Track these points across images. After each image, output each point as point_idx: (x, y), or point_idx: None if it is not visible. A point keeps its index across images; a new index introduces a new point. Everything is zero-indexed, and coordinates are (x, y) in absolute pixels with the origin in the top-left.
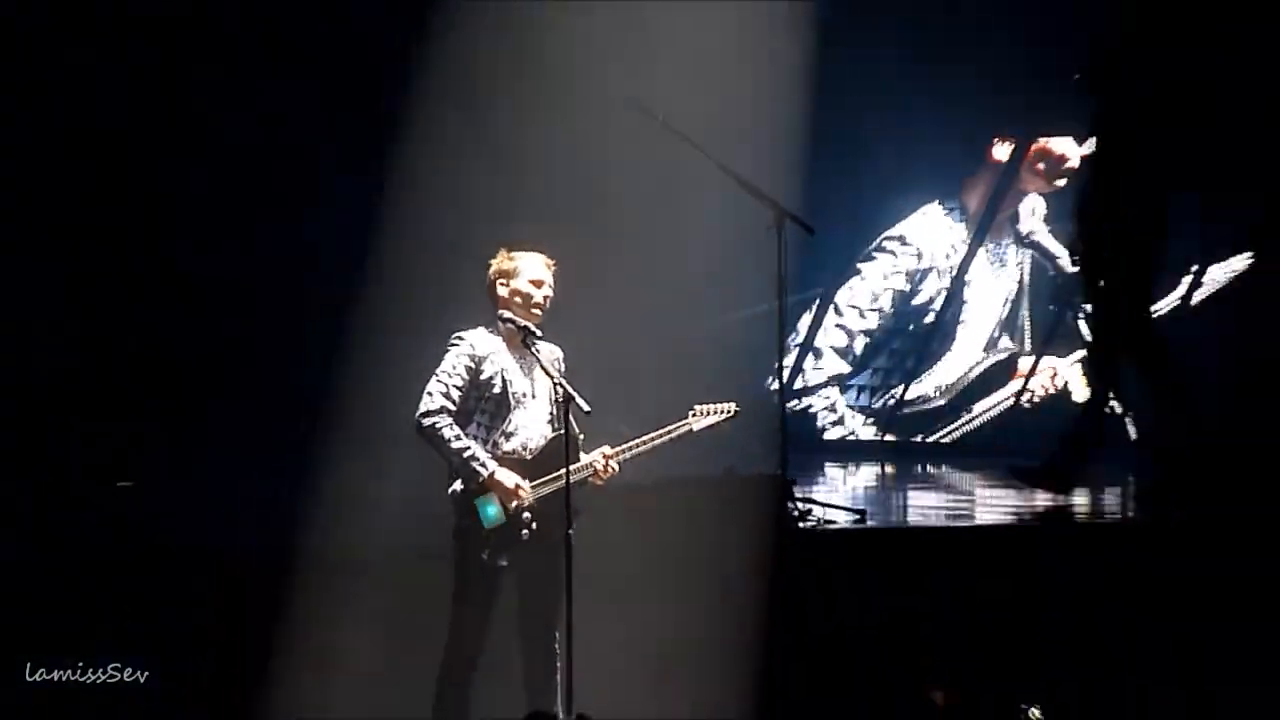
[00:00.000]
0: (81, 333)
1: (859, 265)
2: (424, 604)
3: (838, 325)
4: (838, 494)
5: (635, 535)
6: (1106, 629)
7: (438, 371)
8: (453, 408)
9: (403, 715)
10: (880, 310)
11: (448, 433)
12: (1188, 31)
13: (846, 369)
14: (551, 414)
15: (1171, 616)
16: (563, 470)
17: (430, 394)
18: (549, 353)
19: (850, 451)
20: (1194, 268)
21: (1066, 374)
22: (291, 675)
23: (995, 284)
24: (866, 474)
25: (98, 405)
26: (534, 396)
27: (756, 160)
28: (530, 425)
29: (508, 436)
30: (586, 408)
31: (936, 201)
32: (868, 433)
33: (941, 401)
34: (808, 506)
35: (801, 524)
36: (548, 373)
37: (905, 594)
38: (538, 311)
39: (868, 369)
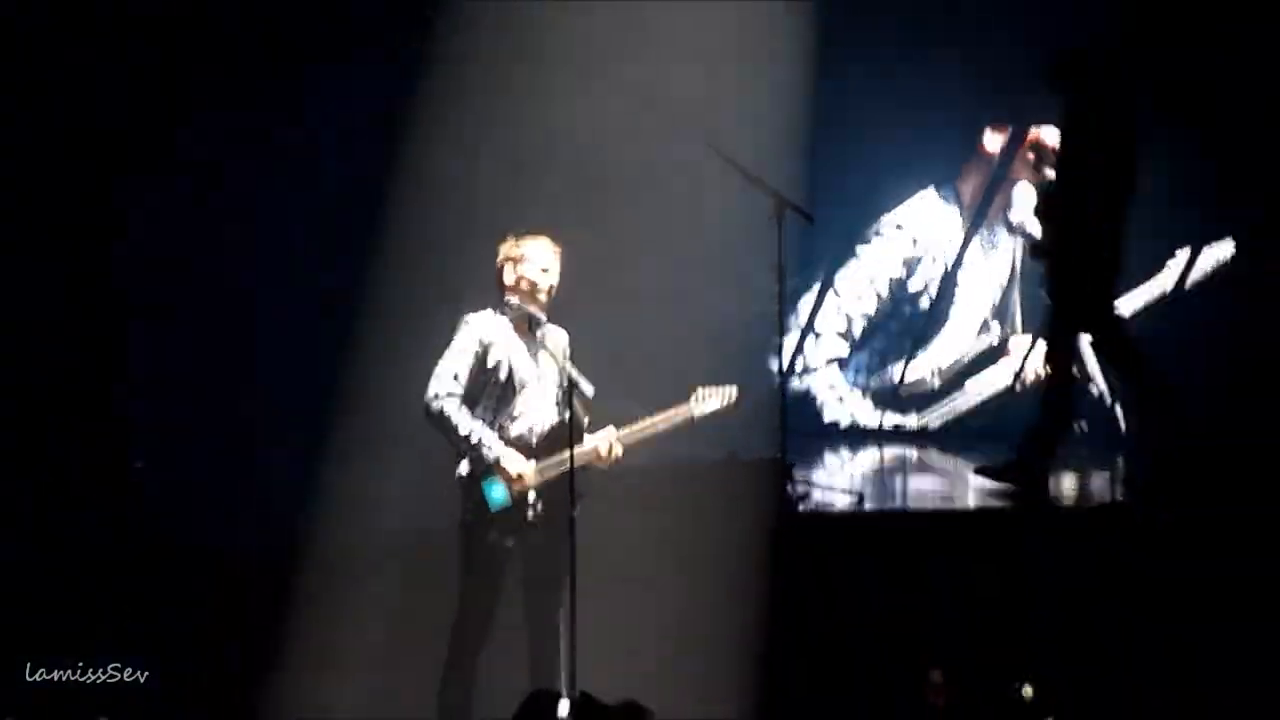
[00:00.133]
0: (81, 333)
1: (857, 250)
2: (427, 594)
3: (837, 308)
4: (837, 479)
5: (639, 518)
6: (1099, 626)
7: (445, 355)
8: (460, 391)
9: (408, 697)
10: (878, 294)
11: (455, 416)
12: (1166, 28)
13: (846, 350)
14: (557, 399)
15: (1164, 616)
16: (567, 454)
17: (438, 377)
18: (555, 338)
19: (850, 438)
20: (1183, 253)
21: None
22: (295, 666)
23: (988, 270)
24: (865, 459)
25: (98, 405)
26: (540, 381)
27: (757, 149)
28: (536, 409)
29: (514, 420)
30: (591, 392)
31: (933, 188)
32: (866, 410)
33: (936, 383)
34: (807, 490)
35: (801, 507)
36: (554, 357)
37: (901, 578)
38: (544, 297)
39: (865, 350)
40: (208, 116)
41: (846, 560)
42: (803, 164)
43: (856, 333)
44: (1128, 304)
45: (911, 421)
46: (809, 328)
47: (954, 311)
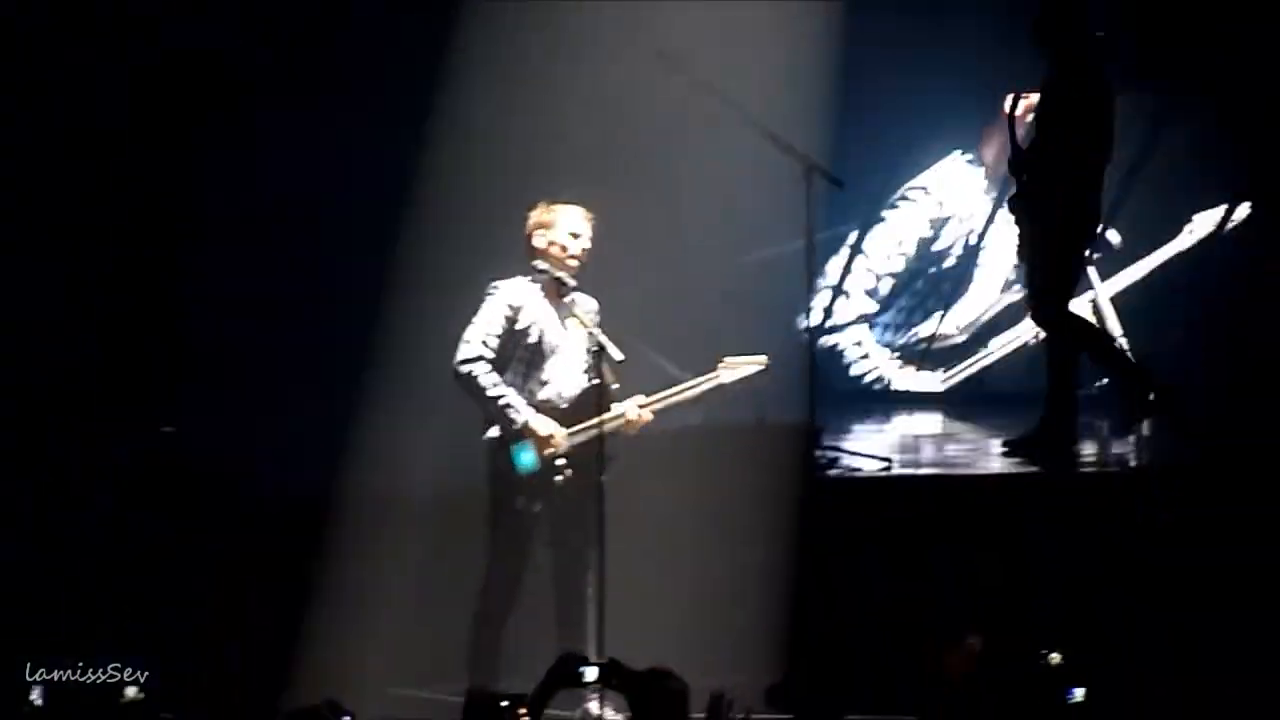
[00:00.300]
0: (81, 333)
1: (884, 214)
2: (456, 556)
3: (866, 268)
4: (865, 443)
5: (667, 482)
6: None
7: (475, 319)
8: (490, 355)
9: (436, 660)
10: (905, 255)
11: (485, 380)
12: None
13: (874, 308)
14: (586, 364)
15: (1169, 606)
16: (596, 419)
17: (468, 341)
18: (584, 304)
19: (878, 401)
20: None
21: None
22: (325, 627)
23: (1010, 230)
24: (893, 424)
25: (132, 367)
26: (569, 347)
27: (786, 116)
28: (565, 375)
29: (542, 385)
30: (619, 357)
31: (958, 151)
32: (893, 368)
33: (962, 339)
34: (835, 454)
35: (829, 471)
36: (582, 323)
37: (929, 544)
38: (575, 263)
39: (892, 308)
40: (231, 86)
41: (874, 525)
42: (831, 130)
43: (884, 291)
44: (1145, 266)
45: (938, 378)
46: (839, 288)
47: (979, 272)
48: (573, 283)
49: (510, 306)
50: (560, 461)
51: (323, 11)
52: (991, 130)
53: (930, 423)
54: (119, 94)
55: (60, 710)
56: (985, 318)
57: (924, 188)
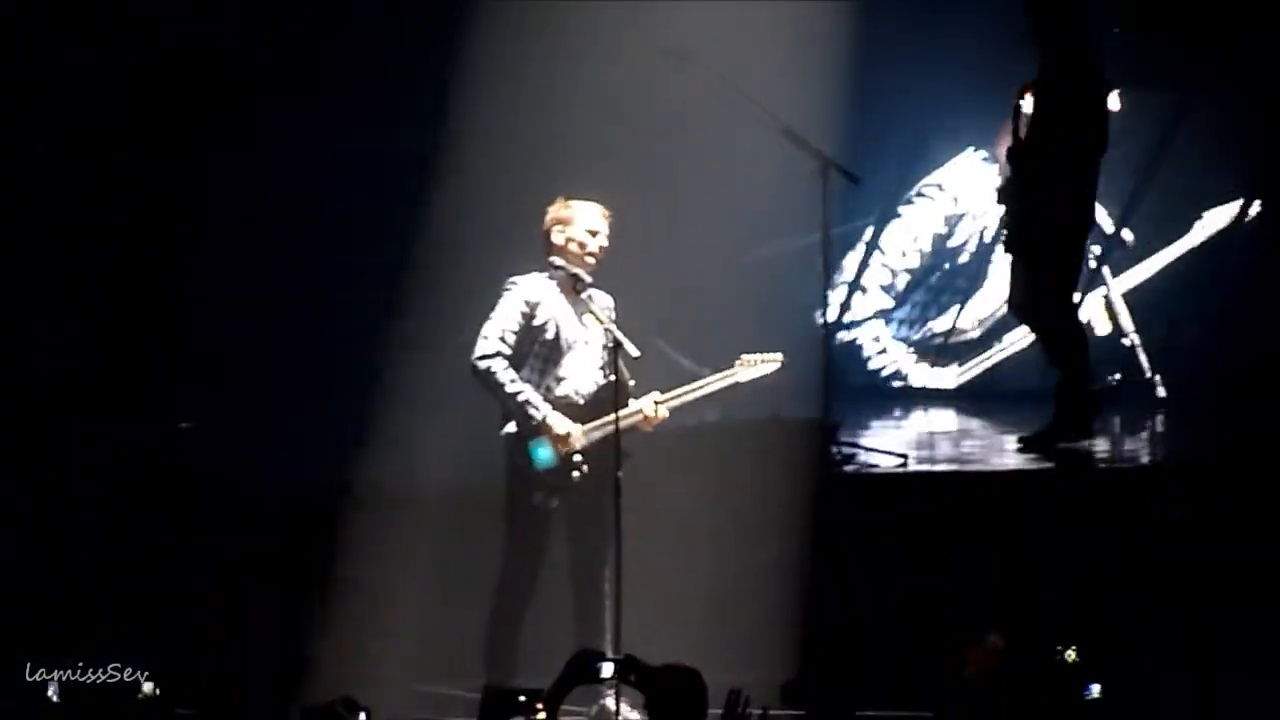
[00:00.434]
0: (81, 333)
1: (900, 210)
2: (473, 550)
3: (882, 264)
4: (880, 439)
5: (683, 478)
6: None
7: (492, 316)
8: (508, 351)
9: (453, 655)
10: (920, 250)
11: (503, 376)
12: None
13: (890, 303)
14: (602, 360)
15: (1183, 602)
16: (613, 415)
17: (485, 337)
18: (600, 300)
19: (894, 398)
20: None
21: (1087, 311)
22: (342, 621)
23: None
24: (909, 420)
25: (132, 367)
26: (585, 343)
27: (802, 113)
28: (582, 371)
29: (559, 381)
30: (636, 353)
31: (971, 148)
32: (909, 361)
33: (976, 334)
34: (851, 450)
35: (845, 467)
36: (599, 319)
37: (945, 539)
38: (592, 260)
39: (908, 304)
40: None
41: (890, 521)
42: (845, 126)
43: (900, 287)
44: (1157, 262)
45: (954, 372)
46: (855, 283)
47: (993, 269)
48: (589, 279)
49: (527, 303)
50: (577, 458)
51: (323, 11)
52: (1006, 127)
53: (945, 419)
54: (119, 94)
55: (76, 706)
56: (1000, 313)
57: (939, 184)
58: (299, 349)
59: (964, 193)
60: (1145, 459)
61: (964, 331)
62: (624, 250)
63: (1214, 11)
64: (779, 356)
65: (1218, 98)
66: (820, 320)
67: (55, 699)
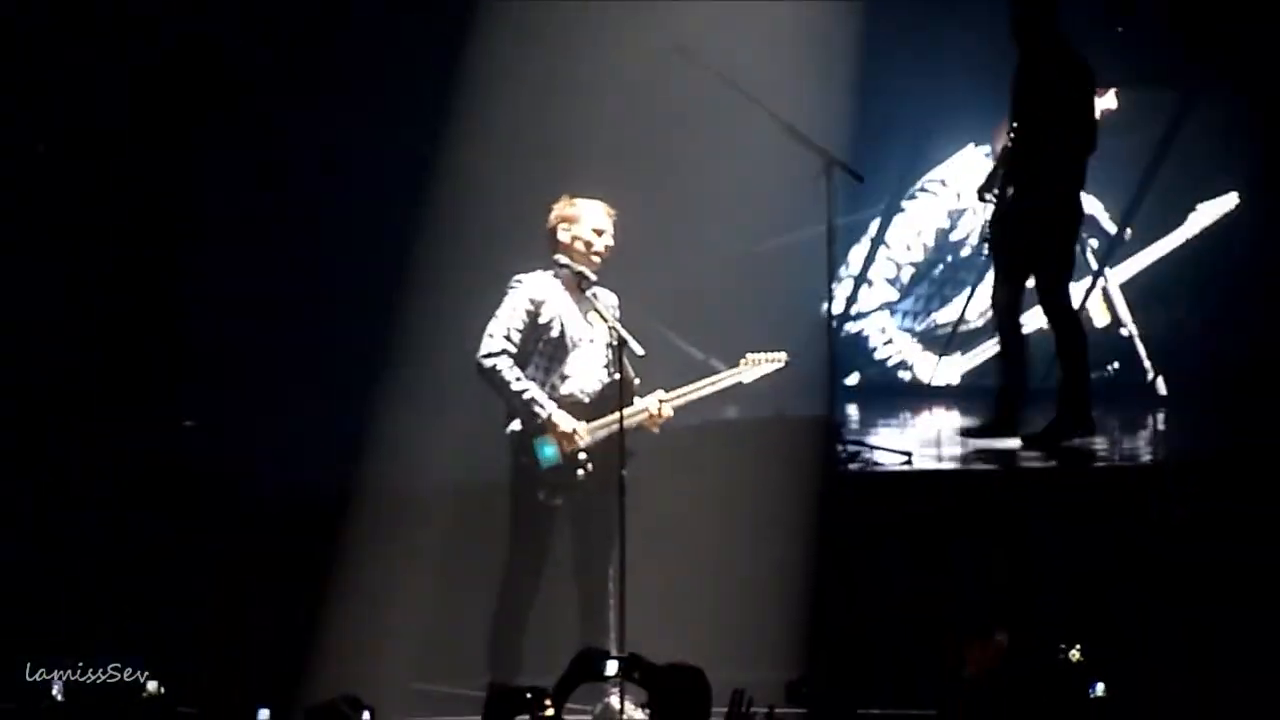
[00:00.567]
0: (81, 333)
1: (903, 204)
2: (478, 548)
3: (887, 257)
4: (884, 437)
5: (688, 477)
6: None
7: (497, 314)
8: (513, 350)
9: (457, 653)
10: (924, 244)
11: (508, 374)
12: None
13: (895, 296)
14: (607, 359)
15: (1185, 601)
16: (618, 413)
17: (490, 335)
18: (605, 298)
19: (899, 395)
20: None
21: (1087, 304)
22: (344, 619)
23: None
24: (914, 417)
25: (132, 367)
26: (590, 341)
27: (807, 108)
28: (586, 370)
29: (564, 380)
30: (641, 351)
31: (972, 144)
32: (915, 351)
33: (979, 324)
34: (856, 448)
35: (849, 466)
36: (604, 318)
37: (949, 538)
38: (597, 259)
39: (912, 296)
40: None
41: (895, 519)
42: (848, 122)
43: (905, 280)
44: (1152, 254)
45: (959, 363)
46: (861, 277)
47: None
48: (594, 277)
49: (532, 301)
50: (582, 456)
51: (323, 11)
52: (1000, 127)
53: (950, 417)
54: (119, 94)
55: (81, 705)
56: None
57: (941, 180)
58: (299, 349)
59: (966, 188)
60: (1146, 458)
61: (968, 323)
62: (628, 248)
63: (1214, 11)
64: (783, 355)
65: (1217, 97)
66: (825, 316)
67: (60, 698)
